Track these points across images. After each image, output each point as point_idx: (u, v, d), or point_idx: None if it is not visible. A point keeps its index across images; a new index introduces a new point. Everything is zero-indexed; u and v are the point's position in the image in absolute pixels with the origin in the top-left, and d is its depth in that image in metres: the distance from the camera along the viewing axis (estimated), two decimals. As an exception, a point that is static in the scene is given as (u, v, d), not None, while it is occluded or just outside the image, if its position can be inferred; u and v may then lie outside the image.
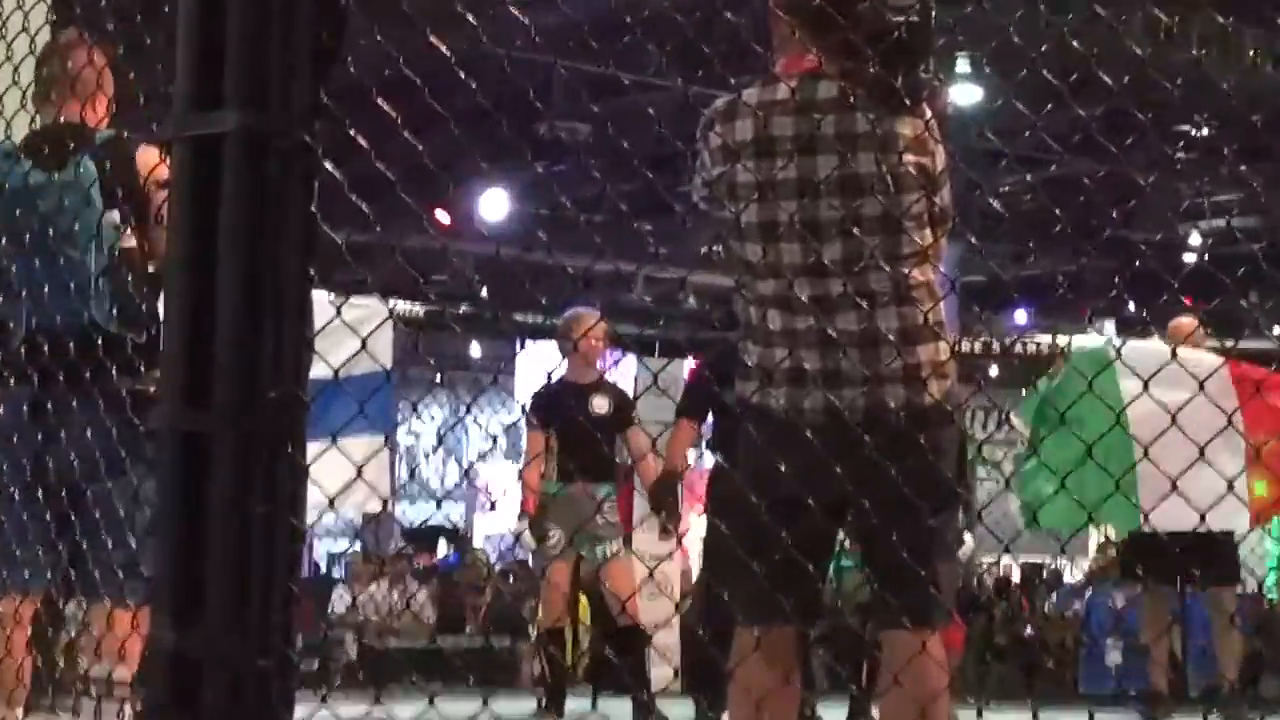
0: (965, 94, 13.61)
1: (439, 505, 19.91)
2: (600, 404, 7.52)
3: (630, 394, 8.19)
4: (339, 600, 10.61)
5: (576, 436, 7.20)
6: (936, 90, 3.08)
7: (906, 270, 3.02)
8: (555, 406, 7.39)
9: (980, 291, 16.30)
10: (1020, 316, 19.10)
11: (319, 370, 3.55)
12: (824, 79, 3.02)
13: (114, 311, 3.26)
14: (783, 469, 2.71)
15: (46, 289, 3.33)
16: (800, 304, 3.01)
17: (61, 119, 4.01)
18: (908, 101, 2.96)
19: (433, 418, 21.15)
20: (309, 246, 1.94)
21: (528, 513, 7.38)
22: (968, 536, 7.29)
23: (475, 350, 21.44)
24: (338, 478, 3.57)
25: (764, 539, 2.82)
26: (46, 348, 3.19)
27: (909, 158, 3.00)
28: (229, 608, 1.88)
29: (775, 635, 2.91)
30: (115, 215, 3.58)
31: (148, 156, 3.71)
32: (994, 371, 17.52)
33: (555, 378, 7.87)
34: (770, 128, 3.03)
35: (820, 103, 3.02)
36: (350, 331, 3.45)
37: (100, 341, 3.15)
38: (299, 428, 1.93)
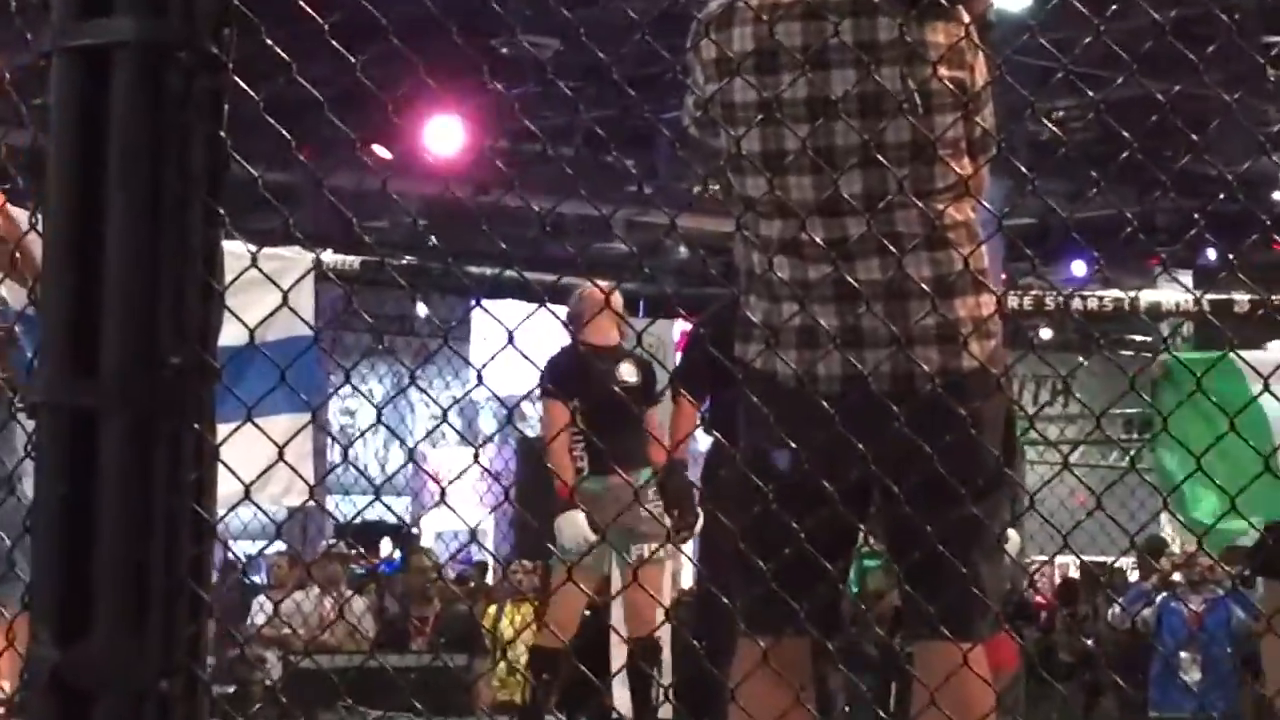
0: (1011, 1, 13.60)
1: (378, 496, 19.89)
2: (628, 372, 7.43)
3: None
4: (259, 611, 10.59)
5: (607, 412, 7.03)
6: None
7: (941, 207, 3.00)
8: (577, 374, 7.18)
9: (1029, 236, 16.29)
10: (1078, 267, 19.12)
11: (230, 334, 3.53)
12: None
13: None
14: (792, 447, 2.70)
15: None
16: (813, 249, 2.99)
17: None
18: (940, 3, 2.94)
19: (371, 392, 21.12)
20: (217, 180, 1.93)
21: (564, 501, 7.17)
22: (1012, 532, 7.29)
23: (421, 310, 21.41)
24: (253, 463, 3.54)
25: (770, 532, 2.80)
26: None
27: (942, 71, 2.98)
28: (123, 619, 1.87)
29: (784, 647, 2.90)
30: None
31: None
32: (1046, 333, 17.53)
33: (568, 343, 7.68)
34: (774, 36, 3.01)
35: (834, 5, 3.00)
36: (267, 286, 3.44)
37: None
38: (206, 401, 1.92)
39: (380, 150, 15.63)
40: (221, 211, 1.92)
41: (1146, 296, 9.15)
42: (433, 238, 19.68)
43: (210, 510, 1.92)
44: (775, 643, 2.90)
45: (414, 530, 19.39)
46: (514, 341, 2.55)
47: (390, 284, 18.14)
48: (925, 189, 3.01)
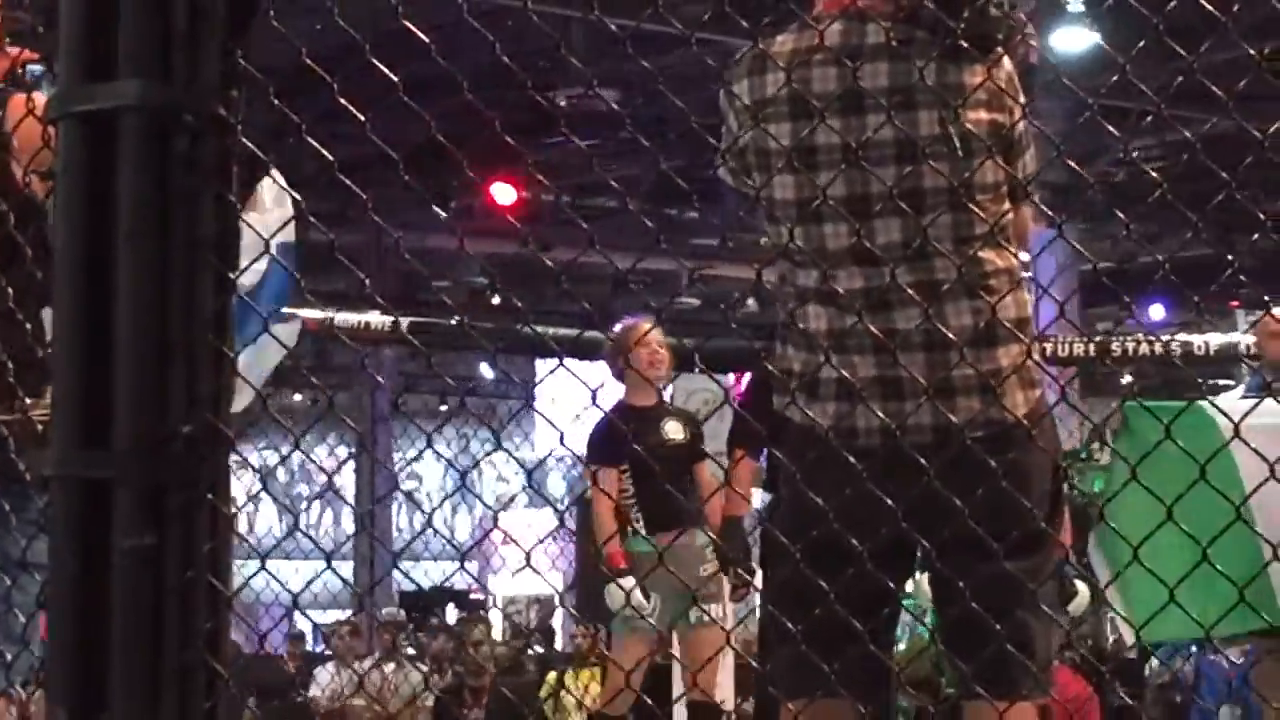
0: (1077, 39, 13.54)
1: (462, 563, 19.91)
2: (674, 430, 7.39)
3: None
4: (322, 678, 10.51)
5: (653, 474, 7.02)
6: (1018, 31, 3.03)
7: (980, 254, 2.97)
8: (620, 438, 7.15)
9: (1104, 281, 16.18)
10: (1156, 311, 18.96)
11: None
12: (873, 20, 2.97)
13: None
14: (831, 503, 2.67)
15: None
16: (849, 299, 2.97)
17: None
18: (978, 46, 2.91)
19: (438, 455, 21.11)
20: (226, 244, 1.93)
21: (617, 568, 7.14)
22: (1082, 585, 7.21)
23: (487, 372, 21.48)
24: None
25: (809, 591, 2.77)
26: None
27: (980, 115, 2.95)
28: (138, 697, 1.86)
29: (825, 709, 2.86)
30: None
31: (29, 130, 2.66)
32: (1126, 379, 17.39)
33: (609, 406, 7.62)
34: (807, 81, 2.99)
35: (868, 49, 2.97)
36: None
37: None
38: (221, 470, 1.91)
39: (501, 193, 15.66)
40: (231, 275, 1.92)
41: (1217, 340, 9.05)
42: (495, 298, 19.73)
43: (226, 581, 1.90)
44: (808, 704, 2.87)
45: (477, 595, 19.37)
46: (596, 400, 2.54)
47: (457, 346, 18.22)
48: (965, 235, 2.98)
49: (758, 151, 3.07)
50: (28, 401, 2.67)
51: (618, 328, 7.51)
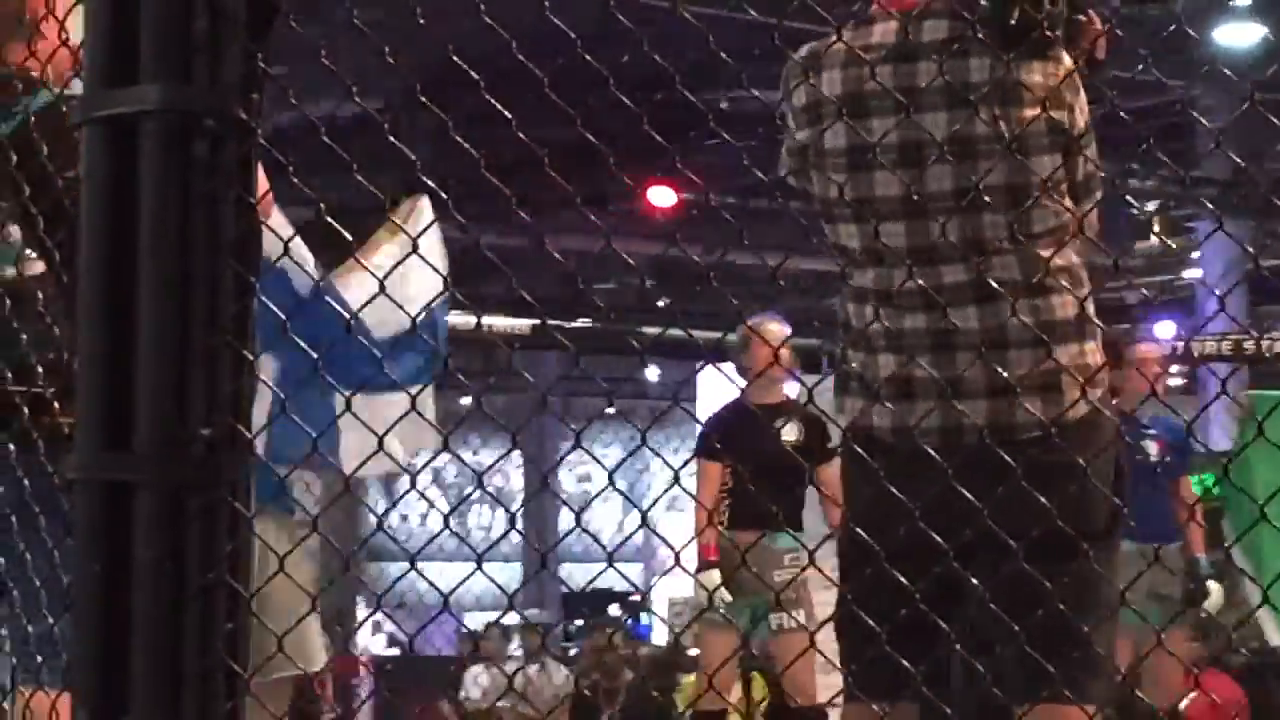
0: (1244, 33, 13.31)
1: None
2: (790, 431, 7.37)
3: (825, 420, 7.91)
4: (473, 683, 10.58)
5: (759, 472, 7.02)
6: (1084, 27, 2.97)
7: (1042, 252, 2.92)
8: (735, 433, 7.20)
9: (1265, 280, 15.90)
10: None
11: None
12: (931, 17, 2.94)
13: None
14: (889, 505, 2.63)
15: None
16: (907, 297, 2.93)
17: None
18: (1034, 43, 2.86)
19: (605, 457, 21.21)
20: (248, 247, 1.93)
21: (708, 560, 7.19)
22: (1214, 584, 7.10)
23: (652, 374, 21.54)
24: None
25: (869, 593, 2.74)
26: None
27: (1037, 111, 2.90)
28: (159, 699, 1.87)
29: (891, 713, 2.83)
30: (12, 230, 3.10)
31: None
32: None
33: (734, 399, 7.68)
34: (863, 80, 2.96)
35: (927, 46, 2.94)
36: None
37: None
38: (240, 472, 1.92)
39: (659, 196, 15.71)
40: (252, 279, 1.93)
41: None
42: (661, 300, 19.76)
43: (245, 583, 1.91)
44: (876, 709, 2.84)
45: (638, 597, 19.41)
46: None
47: (621, 350, 18.28)
48: (1024, 233, 2.93)
49: (815, 151, 3.05)
50: (55, 406, 2.70)
51: (748, 324, 7.49)
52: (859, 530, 2.78)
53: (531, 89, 2.36)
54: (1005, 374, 2.88)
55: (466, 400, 21.89)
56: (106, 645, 1.88)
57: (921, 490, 2.54)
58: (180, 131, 1.89)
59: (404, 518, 22.54)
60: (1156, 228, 17.08)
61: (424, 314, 4.94)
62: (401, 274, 4.19)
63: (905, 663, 2.50)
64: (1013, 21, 2.82)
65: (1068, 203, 2.99)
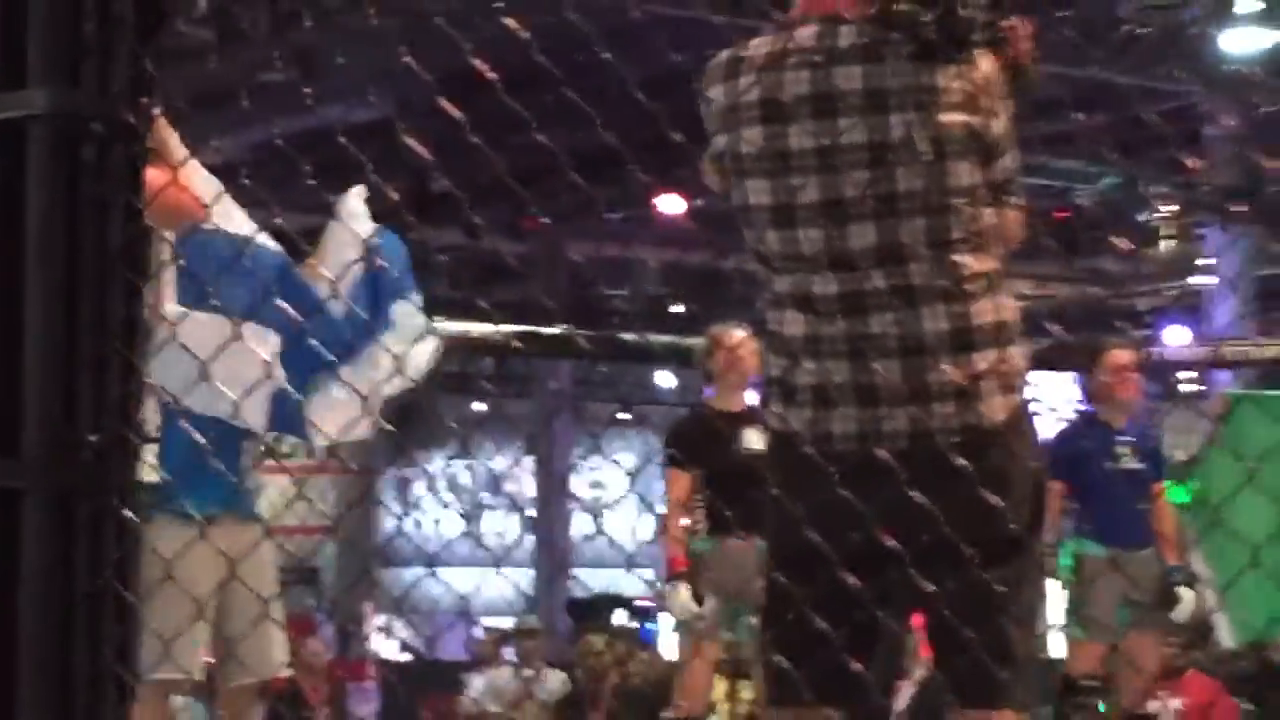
0: (1251, 39, 13.25)
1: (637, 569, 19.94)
2: (754, 439, 7.32)
3: None
4: (475, 689, 10.54)
5: (729, 480, 7.01)
6: (1010, 33, 2.95)
7: (957, 258, 2.90)
8: (700, 440, 7.26)
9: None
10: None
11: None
12: (846, 23, 2.92)
13: None
14: (809, 511, 2.61)
15: None
16: (825, 303, 2.91)
17: None
18: (951, 48, 2.84)
19: (617, 462, 21.18)
20: (136, 252, 1.92)
21: (676, 571, 7.20)
22: (1186, 590, 7.09)
23: (662, 380, 21.50)
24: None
25: (788, 601, 2.72)
26: None
27: (956, 117, 2.88)
28: (46, 704, 1.86)
29: (807, 718, 2.82)
30: None
31: None
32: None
33: (697, 406, 7.68)
34: (780, 85, 2.93)
35: (842, 52, 2.92)
36: None
37: None
38: (128, 479, 1.91)
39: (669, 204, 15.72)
40: (139, 284, 1.92)
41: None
42: (678, 305, 19.74)
43: (134, 589, 1.90)
44: (798, 713, 2.83)
45: (645, 602, 19.38)
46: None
47: (632, 356, 18.26)
48: (941, 239, 2.91)
49: (733, 156, 3.03)
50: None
51: (710, 331, 7.47)
52: (778, 536, 2.77)
53: (537, 99, 2.35)
54: (921, 380, 2.87)
55: (478, 405, 21.96)
56: (-5, 652, 1.87)
57: (840, 496, 2.53)
58: (68, 136, 1.88)
59: (418, 524, 22.55)
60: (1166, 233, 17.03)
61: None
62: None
63: (795, 666, 2.48)
64: (926, 24, 2.80)
65: (987, 209, 2.97)
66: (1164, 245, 17.34)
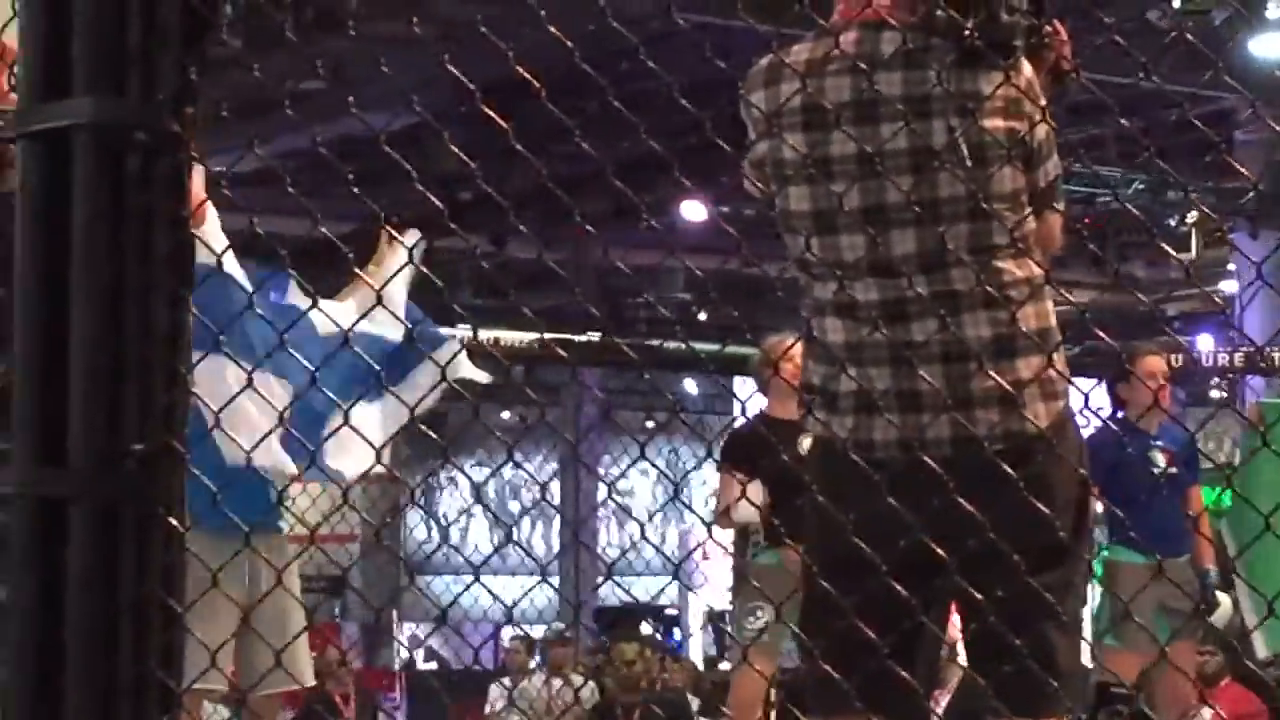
0: (1276, 45, 13.24)
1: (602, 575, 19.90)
2: (809, 442, 7.28)
3: None
4: (498, 696, 10.55)
5: (785, 488, 6.97)
6: (1050, 38, 2.96)
7: (1000, 264, 2.90)
8: (758, 447, 7.23)
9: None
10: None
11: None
12: (890, 28, 2.92)
13: None
14: (852, 518, 2.61)
15: None
16: (866, 310, 2.92)
17: None
18: (994, 53, 2.84)
19: (646, 471, 21.18)
20: (181, 261, 1.93)
21: (738, 579, 7.16)
22: (1223, 596, 7.05)
23: (691, 387, 21.50)
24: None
25: (827, 609, 2.72)
26: None
27: (997, 123, 2.88)
28: (92, 715, 1.87)
29: None
30: None
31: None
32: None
33: (757, 415, 7.66)
34: (822, 91, 2.94)
35: (884, 58, 2.92)
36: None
37: None
38: (174, 487, 1.91)
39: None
40: (184, 293, 1.92)
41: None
42: (702, 314, 19.74)
43: (179, 597, 1.90)
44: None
45: (674, 611, 19.38)
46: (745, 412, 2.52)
47: (661, 363, 18.26)
48: (983, 245, 2.92)
49: (774, 163, 3.03)
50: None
51: (765, 342, 7.49)
52: (822, 544, 2.77)
53: (566, 109, 2.35)
54: (965, 387, 2.87)
55: (507, 414, 21.94)
56: (40, 659, 1.88)
57: (882, 503, 2.53)
58: (113, 145, 1.88)
59: (445, 533, 22.58)
60: (1194, 239, 17.01)
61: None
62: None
63: (837, 677, 2.48)
64: (968, 32, 2.80)
65: (1029, 214, 2.98)
66: (1195, 250, 17.32)
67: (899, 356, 2.90)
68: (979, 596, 2.60)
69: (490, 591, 2.25)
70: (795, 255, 3.05)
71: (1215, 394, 17.87)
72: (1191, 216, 16.79)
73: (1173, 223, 16.88)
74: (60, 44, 1.91)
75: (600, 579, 20.34)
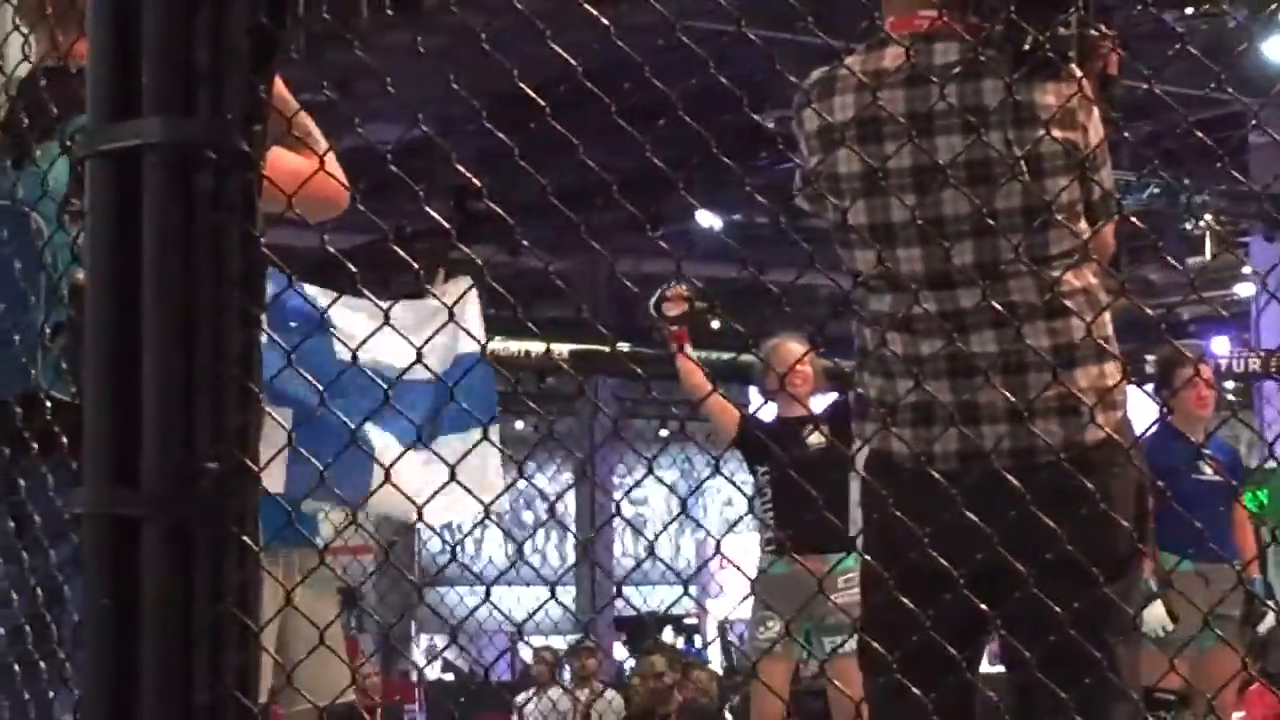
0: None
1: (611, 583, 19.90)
2: (816, 437, 7.29)
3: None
4: (530, 710, 10.52)
5: (795, 485, 6.95)
6: (1095, 43, 2.96)
7: (1057, 274, 2.90)
8: (768, 435, 7.20)
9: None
10: None
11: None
12: (942, 40, 2.92)
13: (60, 371, 2.91)
14: (910, 530, 2.61)
15: None
16: (924, 323, 2.92)
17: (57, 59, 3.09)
18: (1048, 64, 2.84)
19: (661, 479, 21.09)
20: (252, 279, 1.93)
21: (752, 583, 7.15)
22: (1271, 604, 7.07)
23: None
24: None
25: (894, 620, 2.72)
26: None
27: (1052, 133, 2.88)
28: (168, 733, 1.87)
29: None
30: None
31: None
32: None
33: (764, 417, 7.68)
34: (876, 105, 2.94)
35: (937, 69, 2.92)
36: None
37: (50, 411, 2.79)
38: (249, 505, 1.91)
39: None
40: (256, 311, 1.92)
41: None
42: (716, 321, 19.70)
43: (254, 615, 1.90)
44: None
45: (694, 620, 19.37)
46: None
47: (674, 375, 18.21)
48: (1040, 256, 2.92)
49: (829, 177, 3.03)
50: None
51: (767, 344, 7.51)
52: (879, 558, 2.77)
53: (580, 119, 2.35)
54: (1024, 398, 2.87)
55: (520, 424, 21.92)
56: (116, 679, 1.88)
57: (942, 516, 2.52)
58: (183, 164, 1.89)
59: (453, 550, 22.51)
60: (1209, 242, 17.00)
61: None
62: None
63: (922, 692, 2.47)
64: (1026, 47, 2.80)
65: (1083, 224, 2.98)
66: (1209, 254, 17.32)
67: (957, 368, 2.90)
68: (1054, 607, 2.58)
69: (497, 607, 2.25)
70: (850, 268, 3.05)
71: (1230, 398, 17.84)
72: (1205, 220, 16.78)
73: (1189, 226, 16.88)
74: (129, 64, 1.92)
75: (615, 589, 20.33)
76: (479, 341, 4.90)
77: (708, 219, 15.49)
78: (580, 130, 2.25)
